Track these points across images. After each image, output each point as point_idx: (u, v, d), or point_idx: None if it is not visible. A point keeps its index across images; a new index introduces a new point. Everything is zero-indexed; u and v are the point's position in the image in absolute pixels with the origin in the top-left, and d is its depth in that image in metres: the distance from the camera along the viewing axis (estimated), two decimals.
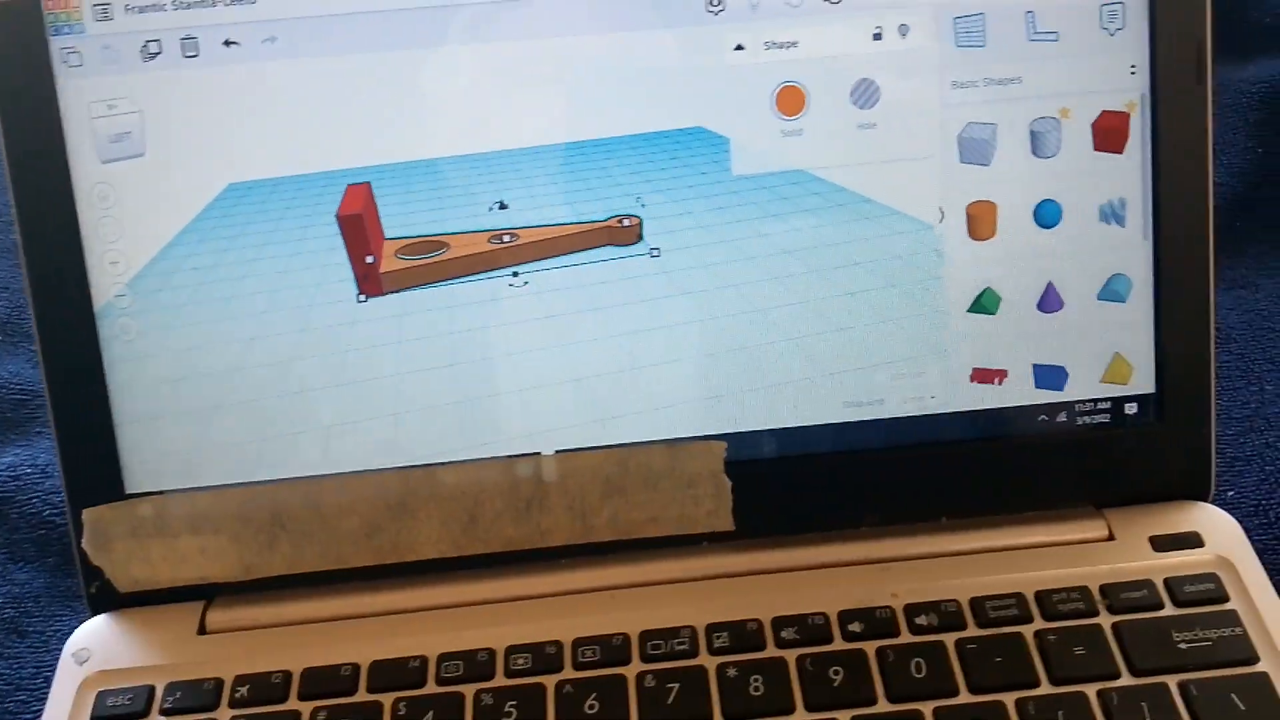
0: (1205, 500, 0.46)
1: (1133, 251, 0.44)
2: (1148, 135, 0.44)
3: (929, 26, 0.43)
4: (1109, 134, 0.44)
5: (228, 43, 0.42)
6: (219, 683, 0.42)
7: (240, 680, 0.42)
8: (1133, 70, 0.43)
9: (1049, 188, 0.44)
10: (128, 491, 0.44)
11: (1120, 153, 0.44)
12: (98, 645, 0.44)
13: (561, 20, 0.42)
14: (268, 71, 0.42)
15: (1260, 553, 0.44)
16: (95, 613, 0.45)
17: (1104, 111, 0.44)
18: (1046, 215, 0.44)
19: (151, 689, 0.42)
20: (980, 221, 0.44)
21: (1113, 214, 0.44)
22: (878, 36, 0.43)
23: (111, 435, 0.44)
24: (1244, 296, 0.58)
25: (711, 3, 0.42)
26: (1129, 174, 0.44)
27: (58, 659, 0.43)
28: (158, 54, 0.42)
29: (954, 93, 0.43)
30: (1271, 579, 0.43)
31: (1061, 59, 0.43)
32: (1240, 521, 0.45)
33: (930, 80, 0.43)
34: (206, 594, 0.45)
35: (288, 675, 0.42)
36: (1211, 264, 0.44)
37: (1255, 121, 0.64)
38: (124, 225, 0.43)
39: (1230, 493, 0.50)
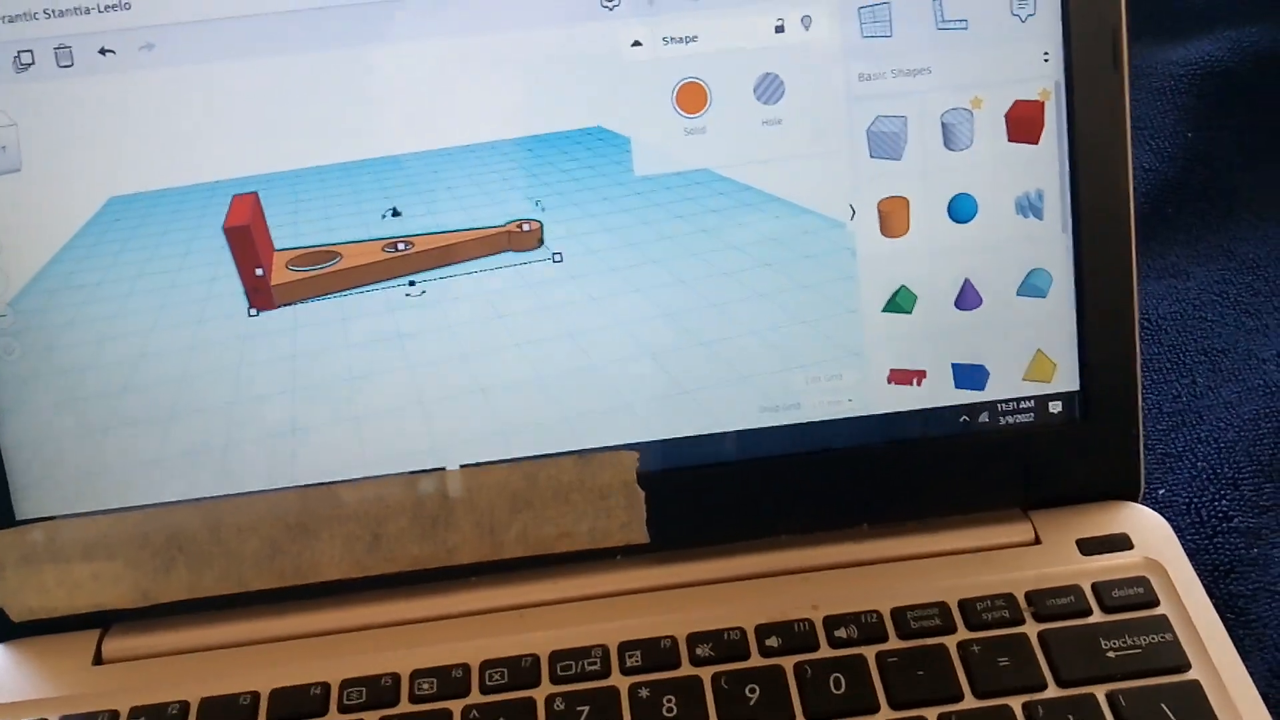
0: (1134, 500, 0.45)
1: (1052, 245, 0.43)
2: (1063, 124, 0.43)
3: (833, 17, 0.42)
4: (1023, 124, 0.43)
5: (103, 51, 0.40)
6: (114, 715, 0.41)
7: (135, 712, 0.41)
8: (1046, 58, 0.42)
9: (963, 181, 0.43)
10: (18, 518, 0.43)
11: (1035, 143, 0.43)
12: None
13: (450, 20, 0.41)
14: (146, 80, 0.41)
15: (1192, 554, 0.43)
16: None
17: (1017, 101, 0.42)
18: (961, 209, 0.43)
19: None
20: (893, 218, 0.43)
21: (1030, 207, 0.43)
22: (780, 29, 0.42)
23: None
24: (1175, 285, 0.57)
25: None
26: (1045, 165, 0.43)
27: None
28: (31, 64, 0.40)
29: (861, 85, 0.42)
30: (1203, 580, 0.42)
31: (971, 47, 0.42)
32: (1171, 521, 0.44)
33: (836, 73, 0.42)
34: (103, 621, 0.44)
35: (185, 706, 0.41)
36: (1134, 256, 0.43)
37: (1185, 105, 0.63)
38: (3, 243, 0.41)
39: (1161, 491, 0.49)
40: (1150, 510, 0.44)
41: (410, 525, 0.43)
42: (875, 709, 0.39)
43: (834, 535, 0.44)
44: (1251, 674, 0.39)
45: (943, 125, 0.42)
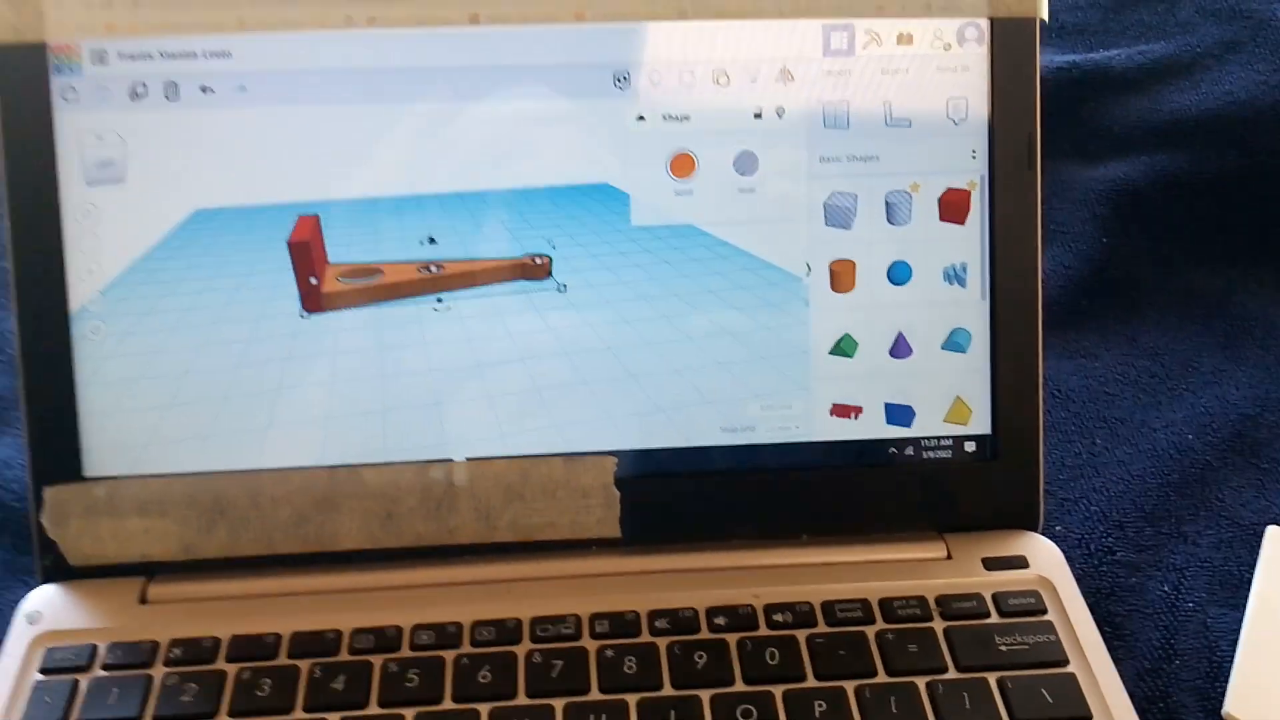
0: (1034, 530, 0.52)
1: (972, 309, 0.51)
2: (986, 210, 0.50)
3: (802, 110, 0.50)
4: (953, 207, 0.50)
5: (205, 89, 0.49)
6: (155, 644, 0.47)
7: (174, 643, 0.47)
8: (974, 155, 0.50)
9: (901, 251, 0.51)
10: (86, 475, 0.49)
11: (962, 224, 0.51)
12: (48, 609, 0.48)
13: (489, 87, 0.49)
14: (237, 115, 0.49)
15: (1080, 578, 0.50)
16: (47, 583, 0.49)
17: (949, 188, 0.50)
18: (898, 274, 0.51)
19: (94, 647, 0.47)
20: (841, 277, 0.51)
21: (955, 276, 0.51)
22: (758, 115, 0.50)
23: (75, 422, 0.49)
24: (1085, 364, 0.66)
25: (618, 79, 0.50)
26: (970, 242, 0.51)
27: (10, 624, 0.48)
28: (143, 95, 0.48)
29: (821, 166, 0.50)
30: (1088, 600, 0.49)
31: (913, 142, 0.50)
32: (1065, 552, 0.51)
33: (801, 155, 0.50)
34: (149, 571, 0.50)
35: (217, 641, 0.47)
36: (1040, 322, 0.50)
37: (1101, 215, 0.72)
38: (102, 240, 0.49)
39: (1058, 527, 0.56)
40: (1046, 539, 0.51)
41: (419, 506, 0.50)
42: (803, 678, 0.45)
43: (777, 541, 0.51)
44: (1122, 676, 0.46)
45: (886, 203, 0.50)
